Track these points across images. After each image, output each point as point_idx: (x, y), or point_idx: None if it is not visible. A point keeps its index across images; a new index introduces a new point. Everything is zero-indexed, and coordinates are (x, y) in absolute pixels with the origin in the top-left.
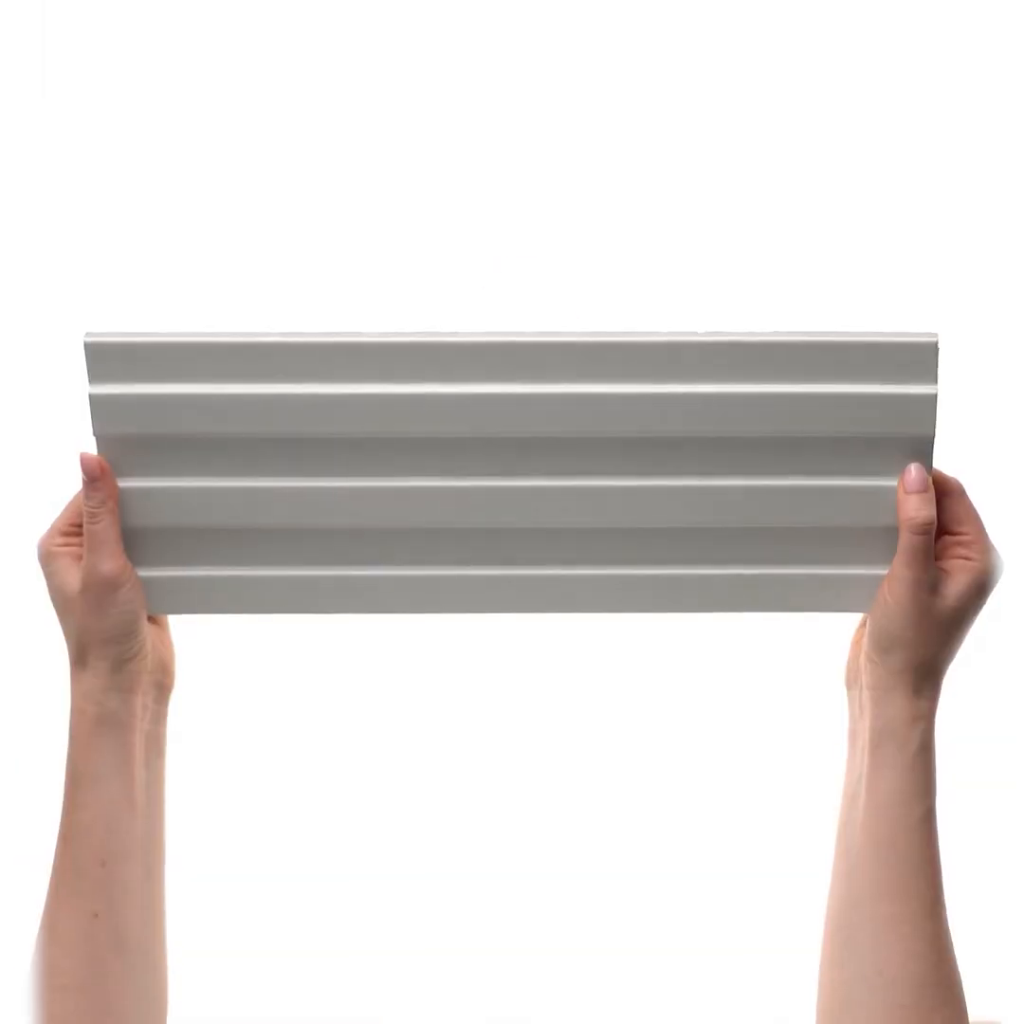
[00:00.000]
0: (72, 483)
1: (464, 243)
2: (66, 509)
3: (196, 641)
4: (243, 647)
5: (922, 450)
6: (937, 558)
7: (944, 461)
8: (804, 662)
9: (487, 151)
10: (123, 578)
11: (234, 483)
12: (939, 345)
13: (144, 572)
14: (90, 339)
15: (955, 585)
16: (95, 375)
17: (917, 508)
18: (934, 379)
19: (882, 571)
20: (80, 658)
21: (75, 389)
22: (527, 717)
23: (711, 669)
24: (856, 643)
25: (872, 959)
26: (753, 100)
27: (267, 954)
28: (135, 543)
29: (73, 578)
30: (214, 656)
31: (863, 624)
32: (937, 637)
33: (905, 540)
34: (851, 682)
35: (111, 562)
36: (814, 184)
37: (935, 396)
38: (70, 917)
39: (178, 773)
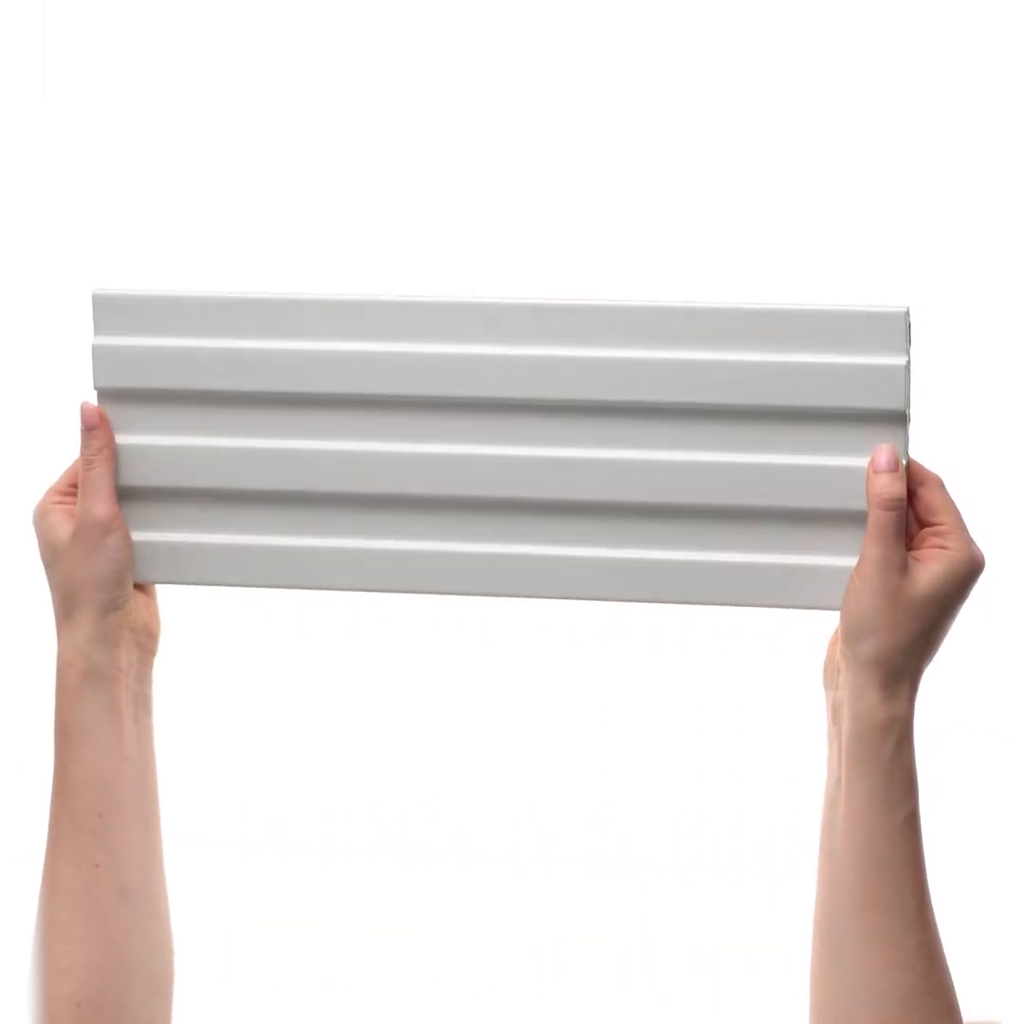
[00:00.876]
0: (69, 453)
1: (463, 210)
2: (65, 473)
3: (186, 616)
4: (233, 620)
5: (895, 430)
6: (912, 548)
7: (928, 461)
8: (801, 658)
9: (484, 127)
10: (115, 524)
11: (232, 442)
12: (909, 315)
13: (135, 535)
14: (98, 292)
15: (927, 571)
16: (100, 327)
17: (885, 485)
18: (903, 350)
19: (853, 562)
20: (66, 609)
21: (76, 355)
22: (520, 698)
23: (708, 666)
24: (832, 643)
25: (859, 972)
26: (733, 83)
27: (260, 924)
28: (127, 504)
29: (65, 529)
30: (203, 630)
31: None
32: (908, 624)
33: (873, 517)
34: (828, 683)
35: (104, 506)
36: (793, 166)
37: (903, 366)
38: (71, 869)
39: (169, 747)
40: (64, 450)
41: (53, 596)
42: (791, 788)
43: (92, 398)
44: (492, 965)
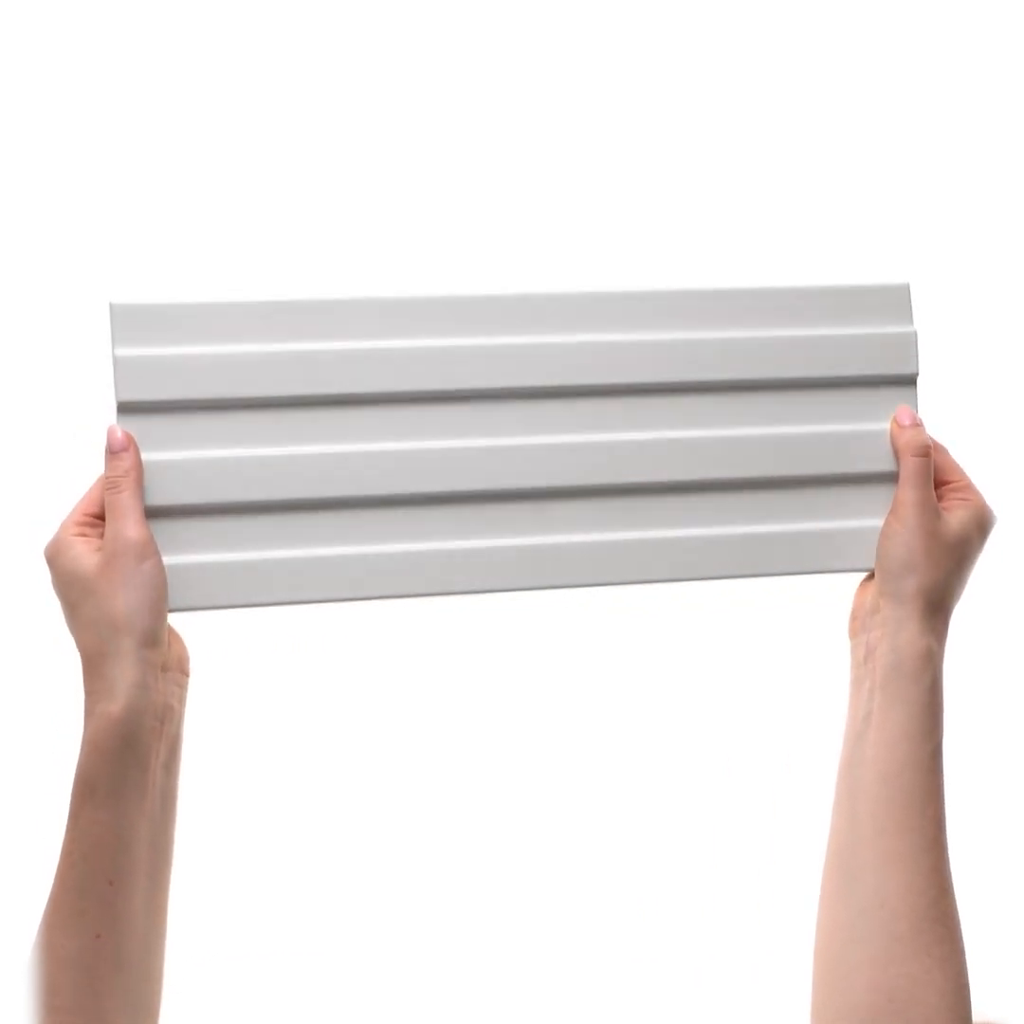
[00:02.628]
0: (72, 479)
1: (470, 208)
2: (78, 505)
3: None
4: (246, 648)
5: (908, 394)
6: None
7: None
8: (799, 659)
9: (485, 124)
10: (150, 547)
11: (256, 451)
12: (909, 287)
13: (167, 559)
14: (116, 302)
15: (956, 517)
16: (120, 338)
17: (913, 436)
18: (910, 319)
19: (881, 522)
20: (100, 651)
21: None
22: (530, 710)
23: (706, 666)
24: (862, 590)
25: (874, 893)
26: (737, 67)
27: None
28: (155, 527)
29: (90, 561)
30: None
31: (869, 576)
32: (945, 561)
33: (907, 465)
34: (857, 630)
35: (137, 528)
36: (797, 152)
37: (914, 334)
38: (71, 938)
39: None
40: (64, 476)
41: (80, 638)
42: (790, 789)
43: (103, 402)
44: (493, 965)
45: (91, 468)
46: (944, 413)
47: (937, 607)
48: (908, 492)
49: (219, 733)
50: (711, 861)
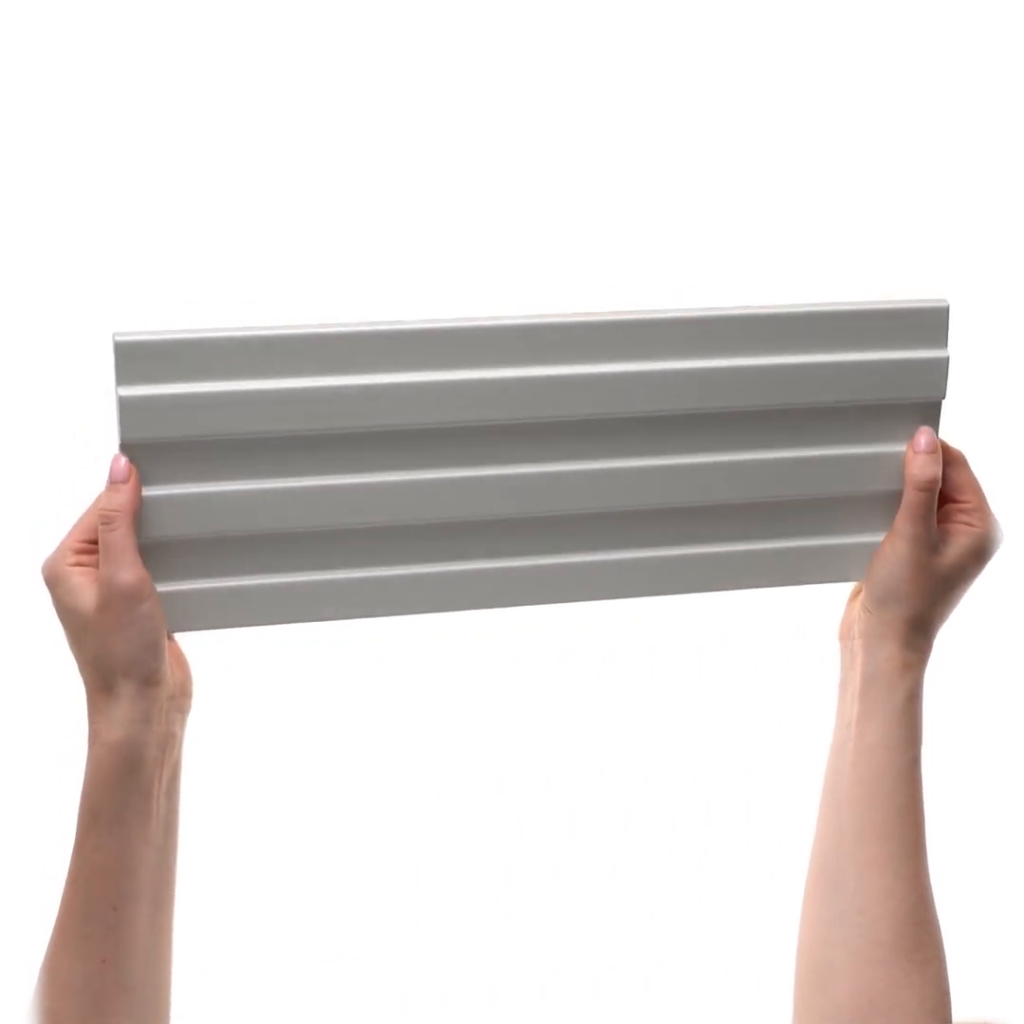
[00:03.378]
0: (78, 503)
1: (472, 233)
2: (76, 526)
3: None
4: (247, 662)
5: (930, 415)
6: (939, 522)
7: (947, 433)
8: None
9: (492, 142)
10: (144, 590)
11: (261, 485)
12: (949, 309)
13: (163, 587)
14: (120, 338)
15: (954, 547)
16: (124, 377)
17: (922, 466)
18: (945, 343)
19: (879, 537)
20: (102, 683)
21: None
22: (531, 718)
23: (703, 670)
24: (853, 597)
25: (854, 898)
26: (761, 75)
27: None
28: (154, 557)
29: (88, 596)
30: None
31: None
32: (932, 594)
33: (909, 497)
34: (845, 634)
35: (130, 571)
36: (822, 159)
37: (947, 360)
38: (76, 963)
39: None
40: (63, 474)
41: (84, 670)
42: (791, 793)
43: (103, 409)
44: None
45: (91, 469)
46: (967, 415)
47: (919, 629)
48: (904, 524)
49: (219, 753)
50: (703, 865)
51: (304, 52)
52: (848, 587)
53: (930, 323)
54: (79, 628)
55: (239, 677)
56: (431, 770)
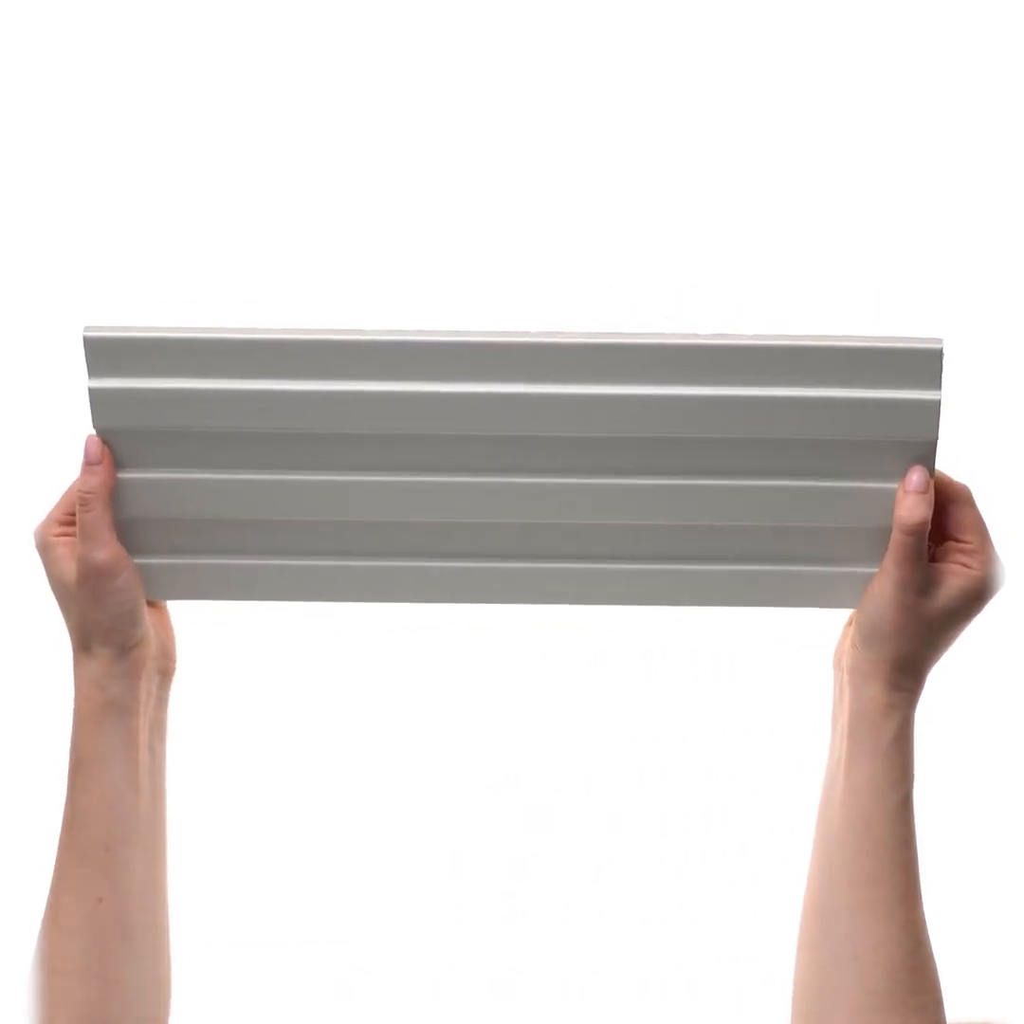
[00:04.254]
0: (71, 473)
1: (463, 243)
2: (63, 498)
3: (194, 625)
4: (241, 632)
5: (925, 453)
6: (937, 560)
7: (950, 465)
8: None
9: (489, 151)
10: (118, 567)
11: (232, 476)
12: (943, 351)
13: (142, 560)
14: (89, 334)
15: (947, 590)
16: (95, 370)
17: (910, 508)
18: (938, 385)
19: (873, 569)
20: (83, 645)
21: (75, 382)
22: (522, 710)
23: (702, 674)
24: (846, 628)
25: (847, 944)
26: (756, 100)
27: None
28: (133, 532)
29: (70, 568)
30: (212, 641)
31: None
32: (920, 637)
33: (895, 539)
34: (837, 664)
35: (104, 550)
36: (817, 188)
37: (938, 402)
38: (74, 903)
39: (178, 762)
40: (62, 467)
41: (68, 629)
42: (786, 797)
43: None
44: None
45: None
46: (974, 447)
47: (906, 670)
48: (890, 566)
49: (213, 733)
50: (708, 872)
51: (301, 51)
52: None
53: (923, 364)
54: (64, 595)
55: (236, 662)
56: (420, 758)
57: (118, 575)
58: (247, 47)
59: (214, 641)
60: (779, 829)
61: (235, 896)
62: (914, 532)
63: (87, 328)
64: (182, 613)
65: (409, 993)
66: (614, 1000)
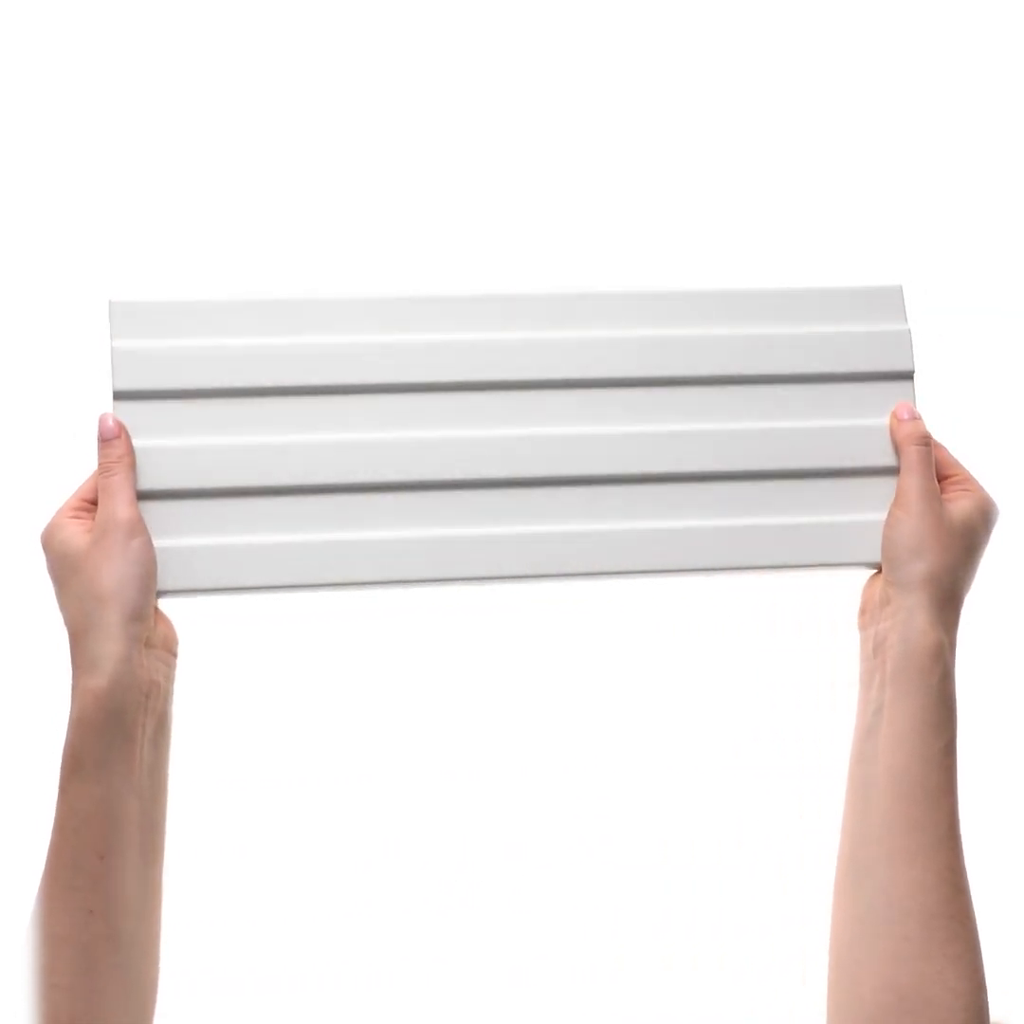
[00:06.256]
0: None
1: (464, 211)
2: (73, 494)
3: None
4: (238, 625)
5: (906, 389)
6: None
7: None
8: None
9: (487, 130)
10: (138, 527)
11: (247, 438)
12: (903, 289)
13: (157, 542)
14: (115, 299)
15: (959, 506)
16: (118, 331)
17: (915, 427)
18: (904, 319)
19: (882, 516)
20: (85, 626)
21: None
22: (522, 698)
23: (703, 670)
24: (870, 584)
25: (884, 891)
26: (731, 72)
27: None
28: (147, 512)
29: (82, 539)
30: (210, 637)
31: (877, 572)
32: (953, 547)
33: (909, 454)
34: (866, 623)
35: (127, 508)
36: (800, 163)
37: (909, 331)
38: (64, 914)
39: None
40: (69, 466)
41: (68, 615)
42: (799, 784)
43: (102, 404)
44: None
45: (89, 466)
46: (941, 413)
47: (948, 596)
48: (911, 480)
49: (216, 723)
50: (724, 857)
51: (295, 27)
52: (858, 586)
53: (888, 301)
54: (68, 571)
55: (238, 648)
56: (421, 745)
57: (136, 535)
58: (246, 46)
59: (212, 637)
60: (784, 814)
61: (231, 893)
62: (924, 442)
63: (113, 296)
64: (180, 611)
65: (406, 987)
66: (610, 982)
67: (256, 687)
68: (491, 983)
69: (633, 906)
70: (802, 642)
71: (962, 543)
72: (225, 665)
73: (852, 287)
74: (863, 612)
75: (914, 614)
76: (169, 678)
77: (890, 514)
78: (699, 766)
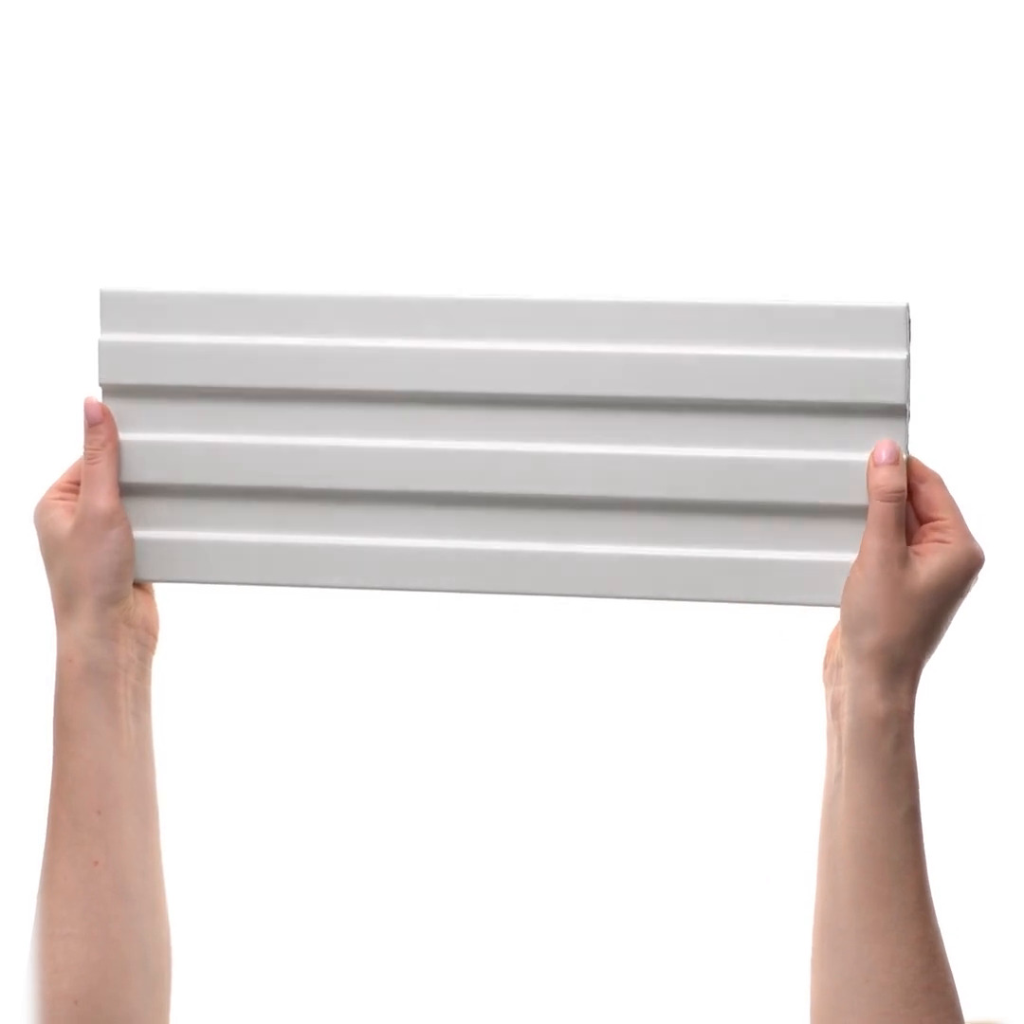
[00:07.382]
0: (71, 450)
1: (463, 210)
2: (67, 471)
3: (183, 618)
4: (231, 622)
5: (896, 424)
6: (912, 544)
7: (929, 459)
8: (797, 662)
9: (488, 127)
10: (117, 518)
11: (235, 438)
12: (909, 311)
13: (137, 533)
14: (106, 289)
15: (928, 564)
16: (107, 324)
17: (885, 478)
18: (903, 345)
19: (853, 557)
20: (65, 604)
21: (80, 352)
22: (522, 699)
23: (702, 669)
24: (833, 638)
25: (858, 965)
26: (737, 82)
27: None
28: (129, 500)
29: (66, 523)
30: (200, 628)
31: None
32: (908, 616)
33: (874, 509)
34: (828, 679)
35: (106, 499)
36: (795, 164)
37: (904, 361)
38: (70, 867)
39: (169, 737)
40: (66, 447)
41: (53, 592)
42: (791, 793)
43: (96, 394)
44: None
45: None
46: (943, 438)
47: (900, 666)
48: (871, 540)
49: (216, 723)
50: (724, 857)
51: (291, 22)
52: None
53: (888, 323)
54: (53, 551)
55: (221, 640)
56: (413, 744)
57: (115, 525)
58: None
59: (199, 620)
60: (781, 831)
61: (230, 874)
62: (892, 499)
63: (104, 285)
64: (167, 595)
65: (406, 987)
66: (610, 982)
67: (256, 687)
68: (491, 983)
69: (633, 906)
70: (802, 642)
71: (922, 610)
72: (226, 665)
73: (849, 305)
74: (824, 666)
75: (862, 686)
76: (145, 658)
77: (851, 571)
78: (699, 766)
